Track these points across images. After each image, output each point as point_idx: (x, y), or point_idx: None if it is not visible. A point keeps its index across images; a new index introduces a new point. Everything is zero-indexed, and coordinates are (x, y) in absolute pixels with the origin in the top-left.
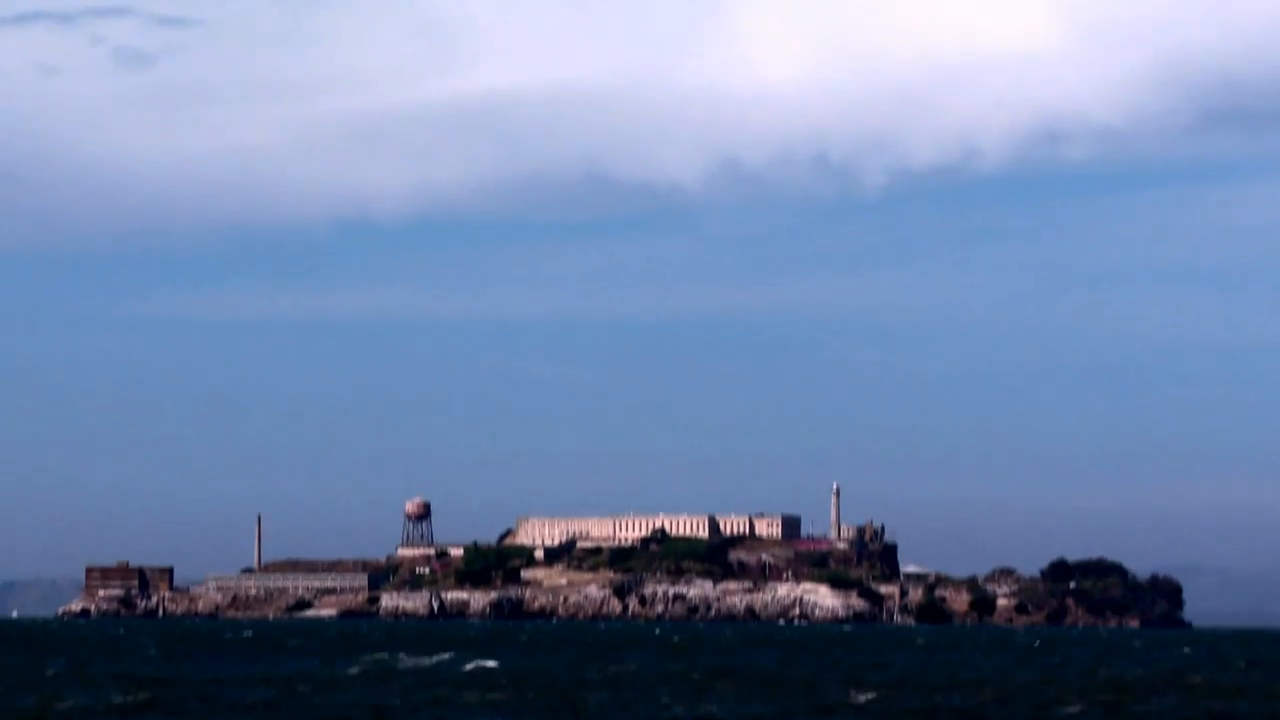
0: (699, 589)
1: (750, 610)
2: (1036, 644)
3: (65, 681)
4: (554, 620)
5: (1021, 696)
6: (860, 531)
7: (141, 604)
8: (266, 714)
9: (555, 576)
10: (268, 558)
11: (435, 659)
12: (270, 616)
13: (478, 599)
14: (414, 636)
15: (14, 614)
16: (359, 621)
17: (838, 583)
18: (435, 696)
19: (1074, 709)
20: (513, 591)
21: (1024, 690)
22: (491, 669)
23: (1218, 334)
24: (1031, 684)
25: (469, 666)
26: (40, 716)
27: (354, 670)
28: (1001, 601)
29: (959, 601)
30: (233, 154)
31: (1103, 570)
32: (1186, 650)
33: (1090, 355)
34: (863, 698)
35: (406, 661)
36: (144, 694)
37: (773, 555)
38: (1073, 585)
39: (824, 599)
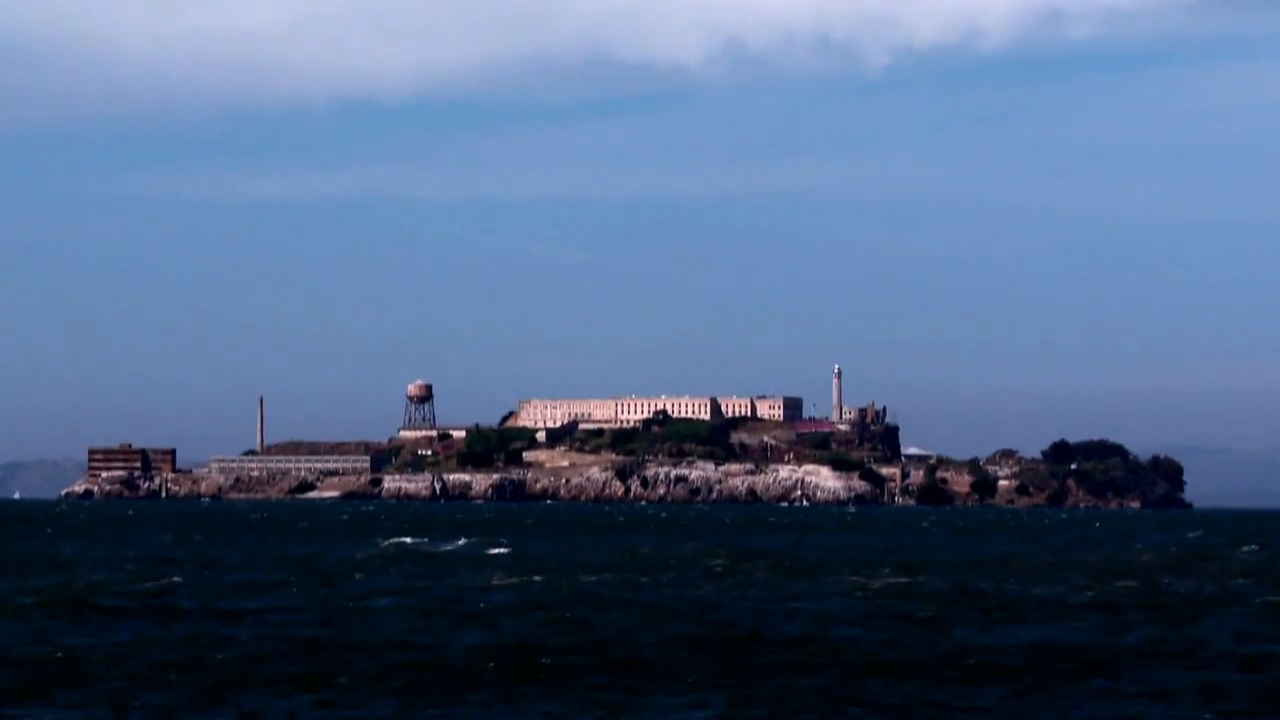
0: (701, 471)
1: (752, 492)
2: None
3: (90, 565)
4: (552, 502)
5: (1038, 579)
6: (862, 413)
7: (144, 485)
8: (280, 595)
9: (557, 458)
10: (270, 440)
11: (450, 545)
12: (272, 498)
13: (479, 481)
14: (425, 519)
15: (16, 495)
16: (364, 503)
17: (839, 464)
18: (453, 583)
19: (1090, 592)
20: (514, 473)
21: (1040, 572)
22: (505, 554)
23: (1220, 214)
24: (1044, 566)
25: (491, 551)
26: (71, 599)
27: (373, 553)
28: (1003, 483)
29: (960, 483)
30: (235, 33)
31: (1104, 451)
32: (1193, 534)
33: (1093, 236)
34: (879, 583)
35: (424, 546)
36: (169, 577)
37: (774, 437)
38: (1074, 466)
39: (825, 481)
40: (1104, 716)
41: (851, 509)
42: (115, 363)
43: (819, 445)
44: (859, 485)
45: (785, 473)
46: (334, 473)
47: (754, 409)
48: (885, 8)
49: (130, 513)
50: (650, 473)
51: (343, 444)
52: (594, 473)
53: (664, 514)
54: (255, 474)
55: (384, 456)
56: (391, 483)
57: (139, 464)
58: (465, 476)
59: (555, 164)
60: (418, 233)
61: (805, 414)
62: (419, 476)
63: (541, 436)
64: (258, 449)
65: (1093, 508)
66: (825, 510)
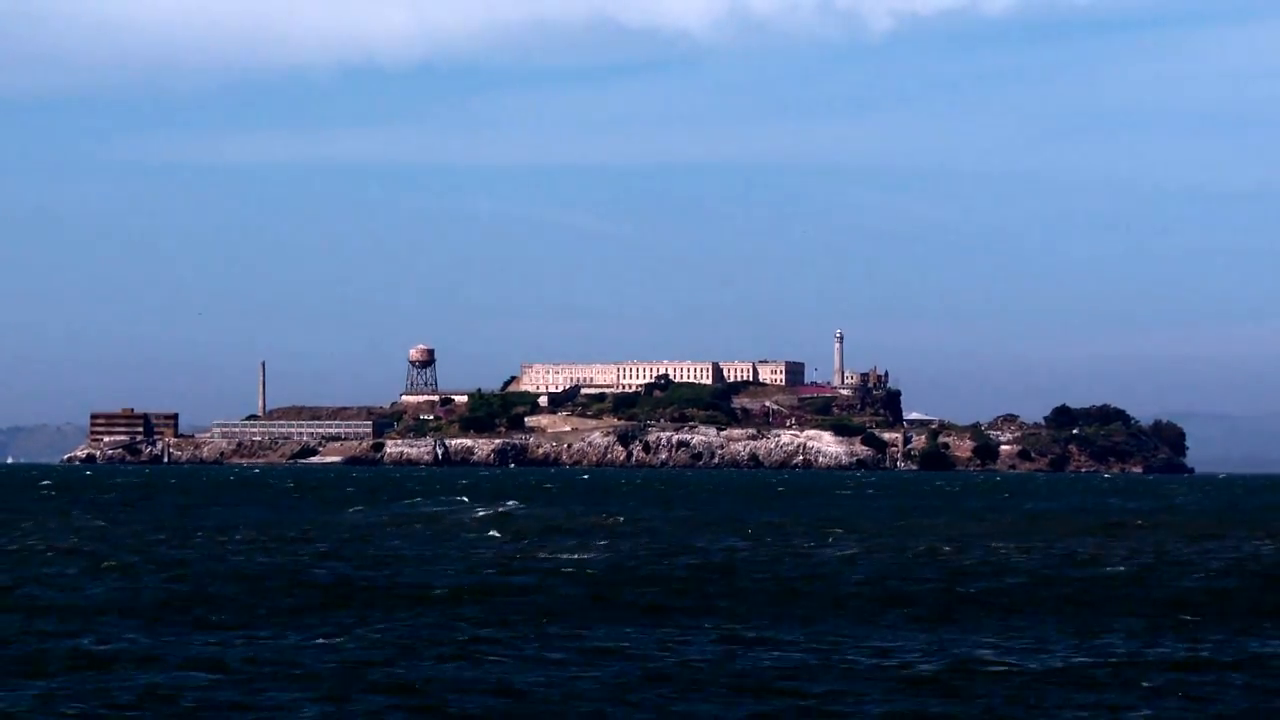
0: (703, 436)
1: (754, 457)
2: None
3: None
4: (556, 468)
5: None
6: (864, 378)
7: (146, 450)
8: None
9: (559, 423)
10: (271, 405)
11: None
12: (274, 463)
13: (482, 446)
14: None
15: (9, 459)
16: (384, 470)
17: (841, 429)
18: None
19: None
20: (517, 438)
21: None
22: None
23: (1224, 180)
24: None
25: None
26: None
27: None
28: (1005, 448)
29: (962, 448)
30: None
31: (1106, 416)
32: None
33: (1096, 200)
34: (949, 547)
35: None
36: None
37: (776, 402)
38: (1076, 431)
39: (827, 445)
40: None
41: (859, 474)
42: (117, 327)
43: (821, 410)
44: (861, 450)
45: (787, 438)
46: (336, 438)
47: (756, 373)
48: None
49: (173, 480)
50: (652, 438)
51: (344, 409)
52: (596, 437)
53: (677, 480)
54: (257, 439)
55: (386, 421)
56: (393, 447)
57: (141, 429)
58: (467, 441)
59: (557, 128)
60: (420, 197)
61: (807, 379)
62: (421, 441)
63: (544, 401)
64: (259, 414)
65: (1094, 472)
66: (828, 475)
